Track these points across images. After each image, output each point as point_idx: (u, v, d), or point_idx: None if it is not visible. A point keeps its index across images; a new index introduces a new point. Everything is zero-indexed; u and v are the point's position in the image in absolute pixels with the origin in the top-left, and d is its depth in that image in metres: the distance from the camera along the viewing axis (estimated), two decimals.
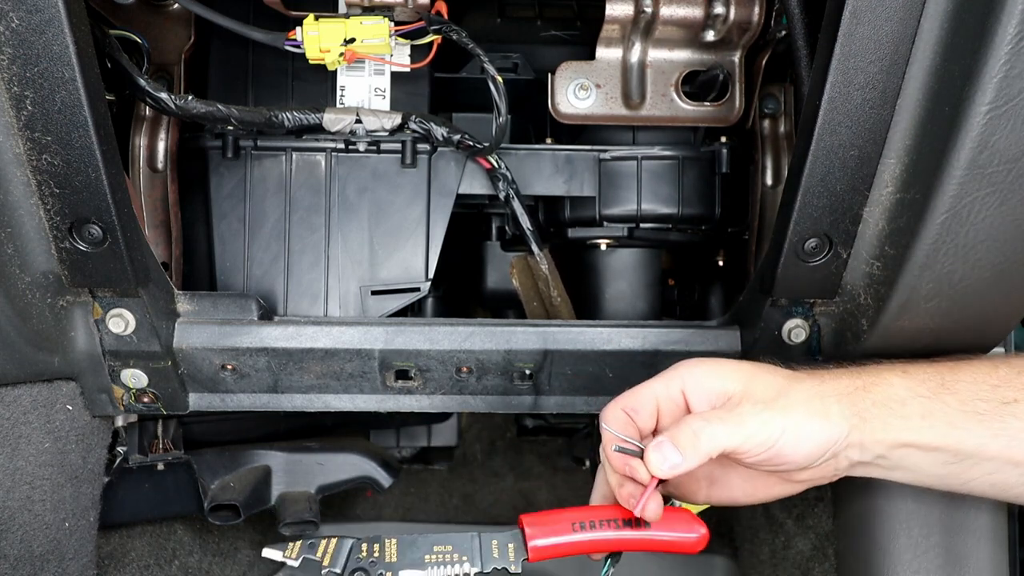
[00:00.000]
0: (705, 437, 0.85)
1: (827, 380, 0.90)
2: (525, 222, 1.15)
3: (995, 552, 1.09)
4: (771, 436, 0.86)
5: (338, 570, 0.89)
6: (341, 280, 1.15)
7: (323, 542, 0.91)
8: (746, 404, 0.87)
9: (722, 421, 0.86)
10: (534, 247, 1.17)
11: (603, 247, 1.21)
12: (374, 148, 1.13)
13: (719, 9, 1.08)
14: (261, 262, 1.14)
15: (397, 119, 1.10)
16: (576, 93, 1.13)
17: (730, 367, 0.91)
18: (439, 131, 1.10)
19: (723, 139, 1.19)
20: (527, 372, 1.09)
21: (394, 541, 0.91)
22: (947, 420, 0.87)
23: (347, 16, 1.05)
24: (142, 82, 1.00)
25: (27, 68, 0.80)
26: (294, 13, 1.07)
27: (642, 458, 0.87)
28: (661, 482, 0.87)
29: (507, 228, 1.28)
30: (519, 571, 0.91)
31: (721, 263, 1.33)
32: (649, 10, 1.08)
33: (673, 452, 0.85)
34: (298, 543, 0.91)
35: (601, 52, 1.13)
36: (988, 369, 0.90)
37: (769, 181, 1.18)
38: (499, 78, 1.05)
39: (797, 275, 0.96)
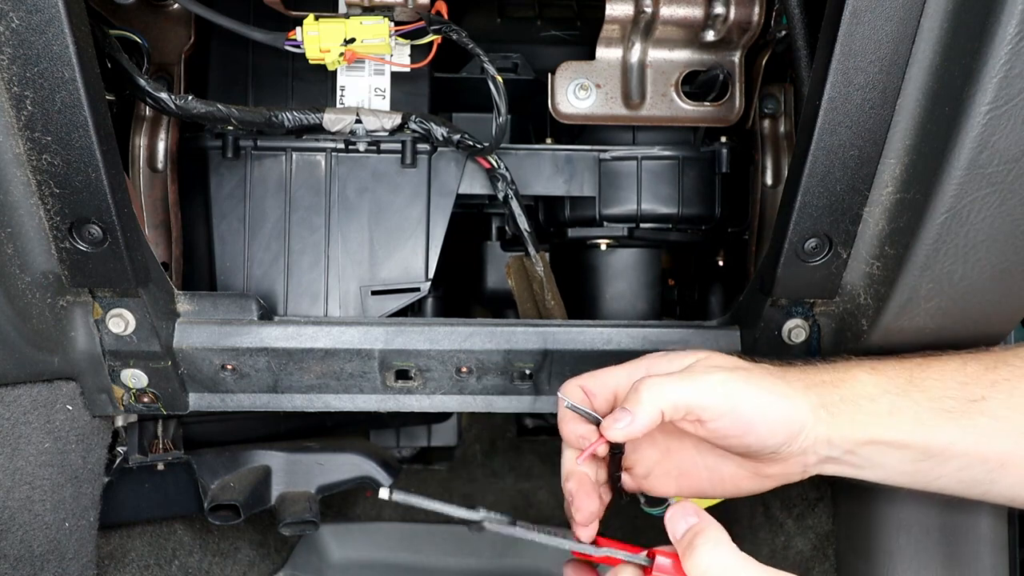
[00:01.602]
0: (647, 388, 0.84)
1: (792, 371, 0.90)
2: (523, 223, 1.15)
3: (994, 552, 1.09)
4: (730, 395, 0.84)
5: None
6: (341, 280, 1.15)
7: None
8: (701, 366, 0.87)
9: (672, 376, 0.85)
10: (530, 248, 1.17)
11: (603, 247, 1.21)
12: (374, 148, 1.13)
13: (719, 9, 1.07)
14: (261, 262, 1.14)
15: (397, 119, 1.10)
16: (576, 93, 1.13)
17: (690, 351, 0.91)
18: (439, 131, 1.10)
19: (723, 139, 1.19)
20: (527, 372, 1.09)
21: None
22: (915, 417, 0.87)
23: (347, 16, 1.05)
24: (142, 82, 1.00)
25: (27, 68, 0.80)
26: (294, 13, 1.07)
27: (598, 427, 0.87)
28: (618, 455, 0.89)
29: (507, 228, 1.28)
30: None
31: (721, 263, 1.33)
32: (649, 10, 1.08)
33: (624, 414, 0.84)
34: None
35: (601, 52, 1.13)
36: (957, 366, 0.89)
37: (769, 181, 1.18)
38: (499, 78, 1.05)
39: (797, 275, 0.96)
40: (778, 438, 0.86)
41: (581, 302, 1.24)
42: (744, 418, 0.85)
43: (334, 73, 1.12)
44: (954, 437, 0.87)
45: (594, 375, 0.92)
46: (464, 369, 1.07)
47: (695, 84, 1.14)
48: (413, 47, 1.11)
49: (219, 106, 1.03)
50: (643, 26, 1.10)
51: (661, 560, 0.82)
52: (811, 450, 0.88)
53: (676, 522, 0.81)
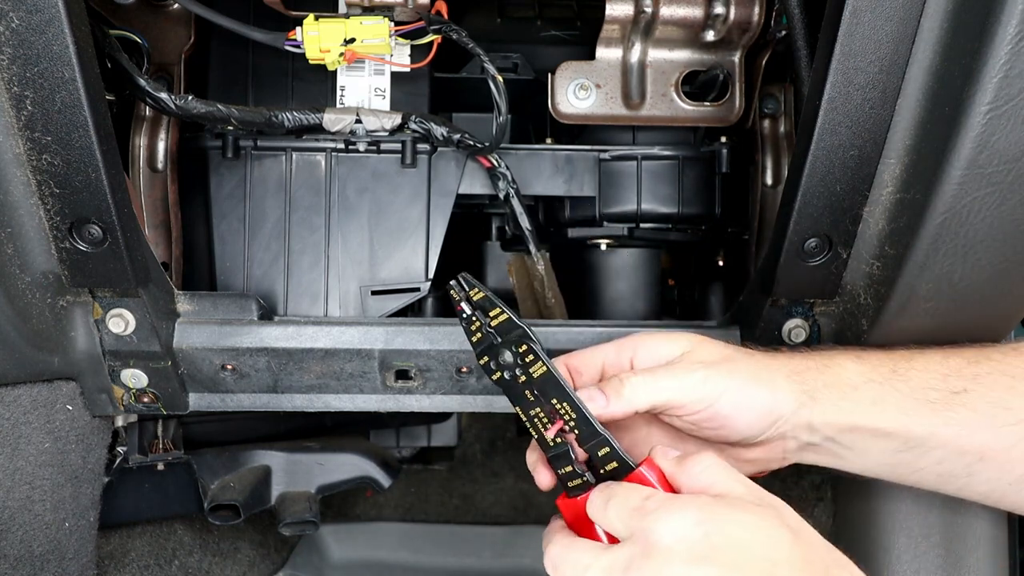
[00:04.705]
0: (630, 386, 0.85)
1: (779, 357, 0.91)
2: (524, 222, 1.15)
3: (994, 552, 1.09)
4: (709, 394, 0.85)
5: None
6: (341, 280, 1.15)
7: None
8: (685, 362, 0.87)
9: (652, 374, 0.86)
10: (532, 247, 1.17)
11: (603, 247, 1.21)
12: (374, 148, 1.13)
13: (719, 9, 1.08)
14: (261, 262, 1.14)
15: (397, 119, 1.10)
16: (576, 93, 1.13)
17: (680, 334, 0.91)
18: (439, 131, 1.10)
19: (723, 139, 1.18)
20: None
21: None
22: (898, 406, 0.88)
23: (347, 16, 1.05)
24: (142, 82, 1.00)
25: (27, 68, 0.80)
26: (294, 13, 1.07)
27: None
28: None
29: (507, 228, 1.28)
30: None
31: (721, 263, 1.33)
32: (649, 10, 1.08)
33: (599, 396, 0.85)
34: None
35: (601, 52, 1.13)
36: (940, 359, 0.91)
37: (769, 181, 1.18)
38: (499, 77, 1.05)
39: (797, 275, 0.96)
40: (754, 429, 0.88)
41: (581, 302, 1.24)
42: (722, 413, 0.86)
43: (334, 73, 1.12)
44: (935, 428, 0.88)
45: (580, 353, 0.92)
46: (464, 369, 1.07)
47: (695, 84, 1.14)
48: (413, 47, 1.11)
49: (219, 106, 1.03)
50: (643, 26, 1.10)
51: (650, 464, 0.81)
52: (790, 435, 0.89)
53: (664, 451, 0.82)
